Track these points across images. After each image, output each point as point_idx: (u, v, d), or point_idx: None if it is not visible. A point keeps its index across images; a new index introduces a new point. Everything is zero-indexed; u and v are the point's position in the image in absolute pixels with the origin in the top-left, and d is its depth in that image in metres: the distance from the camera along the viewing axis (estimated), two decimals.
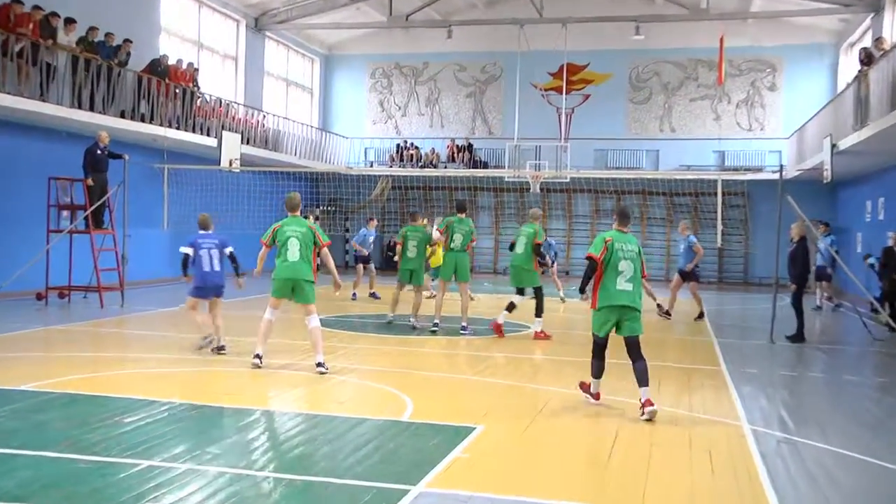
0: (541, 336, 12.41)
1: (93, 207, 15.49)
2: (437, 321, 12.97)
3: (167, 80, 19.43)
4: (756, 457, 6.34)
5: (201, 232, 10.53)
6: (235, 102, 23.81)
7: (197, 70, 21.65)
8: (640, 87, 28.66)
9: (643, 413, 7.40)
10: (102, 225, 16.15)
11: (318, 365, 9.22)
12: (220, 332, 10.23)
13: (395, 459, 5.95)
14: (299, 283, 9.30)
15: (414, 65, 30.53)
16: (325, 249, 9.55)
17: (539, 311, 12.48)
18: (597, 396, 8.14)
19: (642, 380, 7.61)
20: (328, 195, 27.75)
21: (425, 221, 13.79)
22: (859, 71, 16.93)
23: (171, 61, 20.33)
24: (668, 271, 27.98)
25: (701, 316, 15.91)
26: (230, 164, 20.57)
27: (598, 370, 8.05)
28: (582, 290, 8.10)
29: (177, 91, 19.92)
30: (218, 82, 24.44)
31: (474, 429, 6.85)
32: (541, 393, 8.62)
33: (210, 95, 22.03)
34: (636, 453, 6.37)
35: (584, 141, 27.28)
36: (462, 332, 12.65)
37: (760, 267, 26.59)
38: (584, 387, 8.28)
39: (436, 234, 13.28)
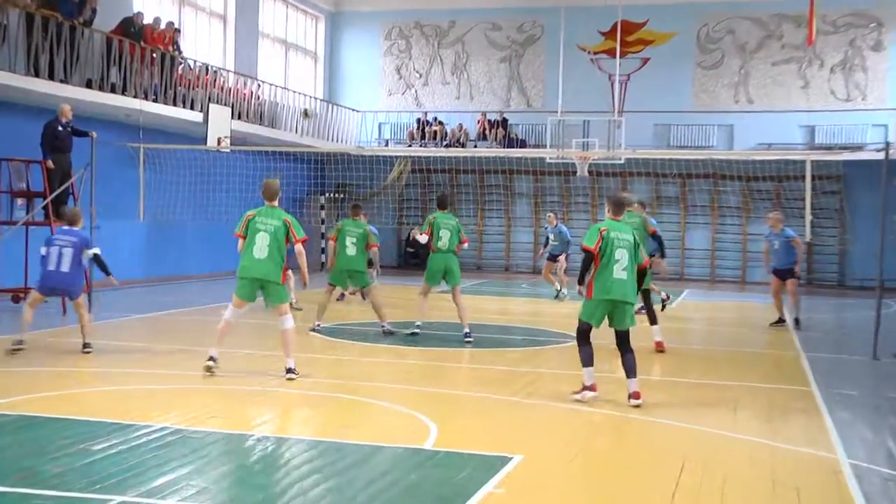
0: (661, 347, 12.48)
1: (53, 195, 15.61)
2: (419, 324, 13.38)
3: (142, 43, 19.57)
4: (858, 498, 6.23)
5: (64, 227, 11.30)
6: (225, 69, 23.95)
7: (178, 31, 21.78)
8: (710, 49, 28.45)
9: (630, 403, 8.69)
10: (63, 216, 16.25)
11: (288, 371, 9.67)
12: (86, 332, 11.09)
13: (416, 495, 5.92)
14: (267, 283, 9.79)
15: (438, 23, 30.53)
16: (300, 246, 9.90)
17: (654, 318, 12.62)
18: (593, 388, 8.90)
19: (631, 371, 8.86)
20: (335, 180, 27.85)
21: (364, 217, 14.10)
22: None
23: (147, 20, 20.47)
24: (746, 271, 27.79)
25: (781, 321, 15.77)
26: (219, 144, 20.69)
27: (588, 357, 8.95)
28: (581, 282, 9.07)
29: (154, 56, 20.05)
30: (204, 45, 24.59)
31: (511, 459, 6.80)
32: (589, 416, 8.56)
33: (194, 61, 22.17)
34: (706, 490, 6.29)
35: (641, 115, 27.09)
36: (466, 340, 12.74)
37: (860, 266, 26.29)
38: (591, 388, 9.00)
39: (421, 238, 13.32)
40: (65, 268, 10.97)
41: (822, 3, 24.23)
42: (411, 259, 29.13)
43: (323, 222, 27.67)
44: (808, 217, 16.60)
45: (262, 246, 9.72)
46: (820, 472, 6.86)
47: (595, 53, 28.06)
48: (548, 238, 20.33)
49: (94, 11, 18.34)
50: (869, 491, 6.41)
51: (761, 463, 7.05)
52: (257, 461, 6.80)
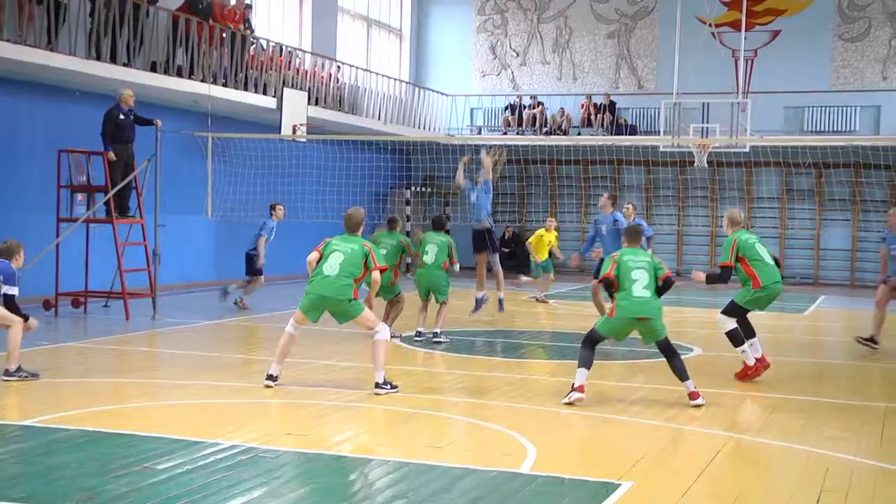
0: (749, 372, 11.43)
1: (115, 189, 15.98)
2: (420, 329, 13.99)
3: (211, 22, 19.96)
4: None
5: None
6: (301, 50, 24.29)
7: (250, 7, 22.15)
8: (854, 18, 27.77)
9: (691, 404, 9.66)
10: (128, 212, 16.66)
11: (378, 385, 9.92)
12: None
13: None
14: (337, 302, 10.05)
15: None
16: (376, 274, 10.17)
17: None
18: (581, 389, 9.73)
19: (682, 374, 9.89)
20: (423, 171, 28.01)
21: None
22: None
23: None
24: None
25: (873, 340, 14.32)
26: (294, 132, 20.96)
27: (587, 360, 9.95)
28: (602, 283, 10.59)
29: (223, 35, 20.44)
30: (278, 23, 24.98)
31: (619, 486, 6.77)
32: (710, 438, 8.45)
33: (267, 41, 22.53)
34: None
35: (770, 96, 26.61)
36: (433, 338, 13.39)
37: None
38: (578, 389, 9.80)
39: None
40: None
41: None
42: (507, 259, 29.06)
43: (409, 219, 27.85)
44: None
45: (333, 264, 9.97)
46: None
47: (717, 26, 27.61)
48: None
49: None
50: None
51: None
52: (335, 484, 6.88)
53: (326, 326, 14.62)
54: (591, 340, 10.11)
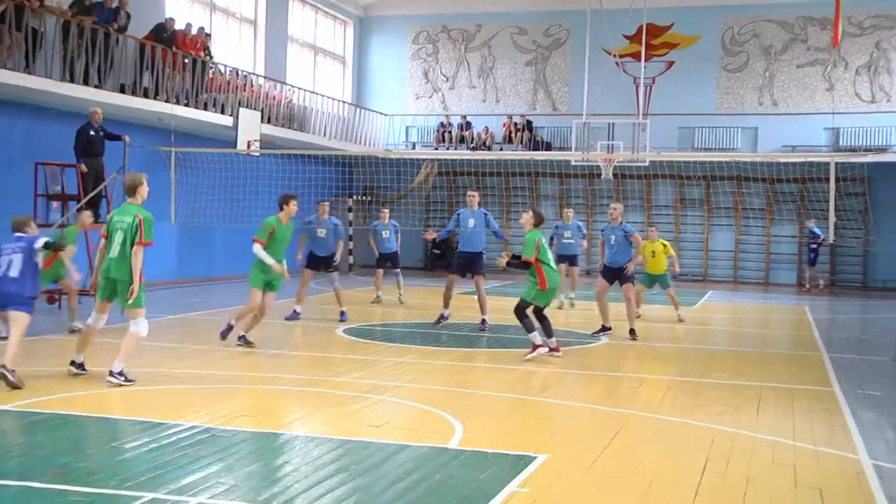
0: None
1: (87, 198, 15.75)
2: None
3: (174, 49, 19.73)
4: (881, 500, 6.18)
5: (15, 235, 9.92)
6: (255, 74, 24.09)
7: (209, 36, 21.93)
8: (735, 52, 28.28)
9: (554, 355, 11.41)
10: (99, 218, 16.40)
11: (111, 374, 9.21)
12: (8, 359, 8.90)
13: (440, 494, 5.94)
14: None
15: (464, 27, 30.56)
16: (137, 247, 9.31)
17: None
18: (543, 346, 11.31)
19: (549, 332, 11.54)
20: (363, 182, 27.94)
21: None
22: None
23: (179, 26, 20.64)
24: (769, 273, 27.61)
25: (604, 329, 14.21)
26: (248, 147, 20.80)
27: (532, 325, 11.34)
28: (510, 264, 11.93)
29: (186, 61, 20.22)
30: (234, 50, 24.75)
31: (535, 458, 6.81)
32: (615, 416, 8.54)
33: (225, 66, 22.31)
34: (729, 491, 6.27)
35: (666, 117, 27.00)
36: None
37: (884, 268, 26.04)
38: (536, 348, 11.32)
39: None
40: (13, 273, 9.45)
41: (848, 5, 24.03)
42: (437, 261, 29.20)
43: (351, 224, 27.75)
44: (832, 219, 16.47)
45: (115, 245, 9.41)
46: (842, 473, 6.81)
47: (620, 57, 27.97)
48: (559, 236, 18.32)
49: (128, 17, 18.52)
50: (891, 492, 6.36)
51: (784, 463, 7.01)
52: (285, 460, 6.85)
53: (276, 320, 14.58)
54: (523, 309, 11.42)
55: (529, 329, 11.57)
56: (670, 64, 28.39)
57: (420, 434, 7.61)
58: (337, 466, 6.56)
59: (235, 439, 7.26)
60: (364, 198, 28.75)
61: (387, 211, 18.74)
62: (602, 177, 24.57)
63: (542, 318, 11.63)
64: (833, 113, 26.47)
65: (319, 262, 15.29)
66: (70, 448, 6.78)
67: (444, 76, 30.86)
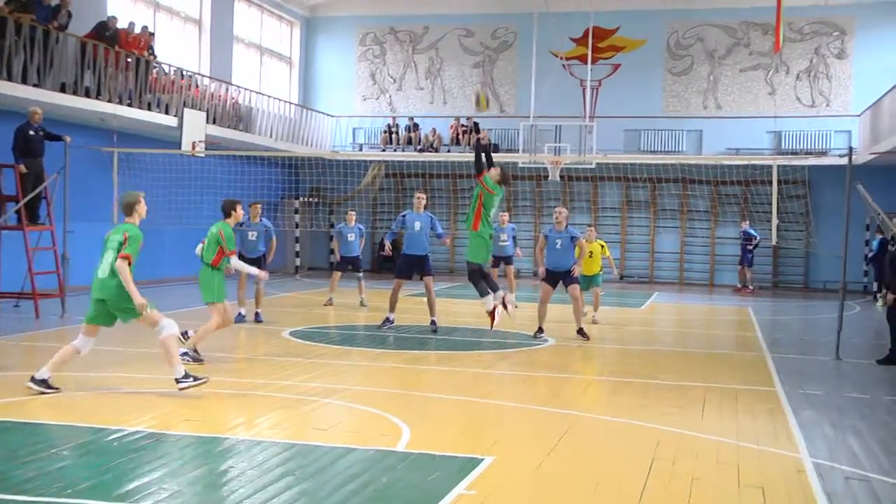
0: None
1: (26, 199, 15.45)
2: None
3: (117, 48, 19.44)
4: (820, 497, 6.30)
5: None
6: (199, 74, 23.83)
7: (153, 35, 21.66)
8: (679, 56, 28.64)
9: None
10: (38, 220, 16.14)
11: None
12: None
13: (387, 497, 5.93)
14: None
15: (412, 29, 30.55)
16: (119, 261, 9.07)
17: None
18: (496, 307, 11.64)
19: (495, 287, 11.91)
20: (310, 184, 27.81)
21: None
22: None
23: (122, 24, 20.35)
24: (714, 274, 27.99)
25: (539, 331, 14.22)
26: (193, 148, 20.60)
27: (485, 289, 11.76)
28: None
29: (129, 60, 19.93)
30: (178, 50, 24.46)
31: (482, 460, 6.82)
32: (561, 417, 8.59)
33: (169, 66, 22.04)
34: (674, 491, 6.33)
35: (612, 120, 27.27)
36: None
37: (824, 269, 26.53)
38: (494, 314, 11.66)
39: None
40: None
41: (789, 11, 24.49)
42: (384, 263, 29.17)
43: (297, 226, 27.60)
44: (775, 221, 16.77)
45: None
46: (784, 471, 6.93)
47: (567, 59, 28.17)
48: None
49: (69, 15, 18.22)
50: (831, 489, 6.49)
51: (728, 462, 7.11)
52: (230, 464, 6.77)
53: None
54: (477, 274, 11.84)
55: (483, 293, 11.89)
56: (616, 67, 28.67)
57: (367, 437, 7.59)
58: (283, 470, 6.51)
59: (179, 444, 7.17)
60: (311, 199, 28.61)
61: (353, 213, 18.62)
62: (549, 179, 24.72)
63: (485, 276, 12.03)
64: (775, 117, 26.95)
65: (251, 265, 15.09)
66: (6, 456, 6.63)
67: (392, 77, 30.82)
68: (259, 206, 15.57)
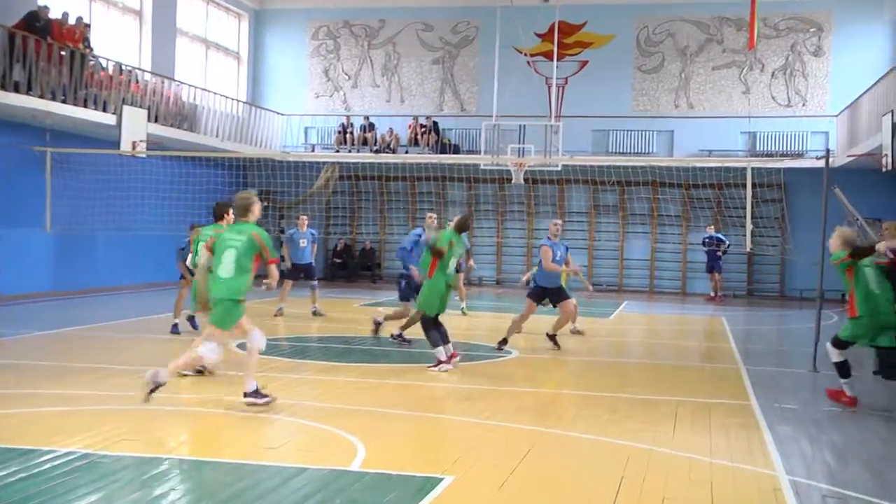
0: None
1: None
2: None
3: (49, 40, 19.21)
4: None
5: None
6: (140, 69, 23.62)
7: (89, 27, 21.44)
8: (650, 53, 28.89)
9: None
10: None
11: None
12: None
13: None
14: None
15: (367, 23, 30.54)
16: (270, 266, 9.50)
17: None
18: (448, 360, 11.86)
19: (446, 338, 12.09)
20: (259, 186, 27.59)
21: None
22: None
23: (55, 15, 20.11)
24: (686, 282, 28.23)
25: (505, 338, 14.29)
26: (133, 148, 20.41)
27: (438, 339, 11.95)
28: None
29: (63, 53, 19.70)
30: (117, 43, 24.22)
31: (441, 480, 6.82)
32: (525, 434, 8.61)
33: (106, 60, 21.82)
34: None
35: (579, 120, 27.42)
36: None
37: (801, 277, 26.84)
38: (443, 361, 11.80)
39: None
40: None
41: (764, 7, 24.77)
42: (338, 270, 29.12)
43: None
44: (749, 226, 16.93)
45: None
46: (759, 489, 6.99)
47: (531, 56, 28.31)
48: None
49: None
50: None
51: (700, 480, 7.16)
52: (172, 487, 6.70)
53: (160, 335, 14.31)
54: (429, 322, 12.02)
55: (435, 343, 11.98)
56: (583, 64, 28.86)
57: (319, 456, 7.55)
58: (230, 493, 6.46)
59: (117, 466, 7.08)
60: (260, 203, 28.41)
61: (305, 217, 18.60)
62: (512, 182, 24.79)
63: (437, 325, 12.18)
64: (749, 117, 27.25)
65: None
66: None
67: (346, 74, 30.77)
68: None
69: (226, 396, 9.84)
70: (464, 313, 18.59)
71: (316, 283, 18.43)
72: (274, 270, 9.37)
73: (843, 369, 10.35)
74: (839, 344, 10.44)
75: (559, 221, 14.67)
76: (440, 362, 11.91)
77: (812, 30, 27.93)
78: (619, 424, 9.07)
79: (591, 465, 7.64)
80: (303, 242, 18.12)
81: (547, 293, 14.16)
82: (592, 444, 8.32)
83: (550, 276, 14.05)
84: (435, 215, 15.51)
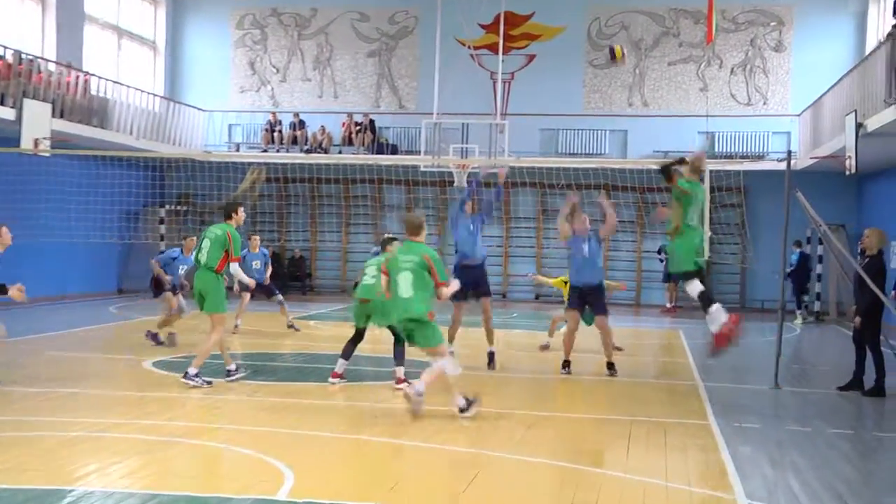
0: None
1: None
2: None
3: None
4: None
5: None
6: (43, 59, 23.28)
7: None
8: (602, 46, 29.11)
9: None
10: None
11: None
12: None
13: None
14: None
15: (298, 11, 30.45)
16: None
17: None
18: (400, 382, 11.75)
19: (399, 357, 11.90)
20: (178, 189, 27.37)
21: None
22: (894, 26, 17.54)
23: None
24: (640, 293, 28.49)
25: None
26: (36, 146, 20.08)
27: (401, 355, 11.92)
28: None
29: None
30: (17, 29, 23.85)
31: None
32: (470, 458, 8.62)
33: (4, 48, 21.47)
34: None
35: (526, 118, 27.57)
36: (186, 380, 11.70)
37: (762, 286, 27.21)
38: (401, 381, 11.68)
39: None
40: None
41: None
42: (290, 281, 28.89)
43: (162, 238, 27.12)
44: (707, 232, 17.12)
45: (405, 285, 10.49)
46: None
47: (475, 48, 28.39)
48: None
49: None
50: None
51: None
52: None
53: (76, 352, 14.10)
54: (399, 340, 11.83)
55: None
56: (531, 58, 29.04)
57: (244, 484, 7.49)
58: None
59: (17, 498, 6.96)
60: (179, 208, 28.17)
61: (257, 238, 18.86)
62: (455, 184, 24.88)
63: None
64: (707, 116, 27.59)
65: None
66: None
67: (274, 67, 30.63)
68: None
69: (139, 420, 9.71)
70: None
71: (280, 297, 18.44)
72: (445, 292, 10.53)
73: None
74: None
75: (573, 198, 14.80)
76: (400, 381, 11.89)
77: (773, 23, 28.41)
78: (570, 446, 9.12)
79: (539, 491, 7.67)
80: (256, 264, 18.29)
81: (586, 296, 13.98)
82: (540, 468, 8.35)
83: (578, 274, 14.00)
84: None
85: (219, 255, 12.06)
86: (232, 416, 10.29)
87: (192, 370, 11.68)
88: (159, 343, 15.19)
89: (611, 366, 13.85)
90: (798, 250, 24.39)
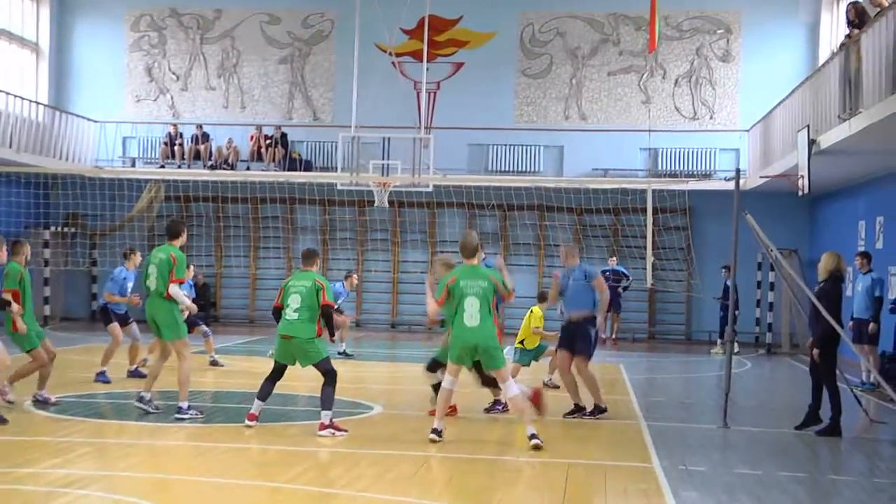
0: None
1: None
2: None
3: None
4: None
5: None
6: None
7: None
8: (536, 54, 29.39)
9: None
10: None
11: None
12: None
13: None
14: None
15: (200, 12, 30.28)
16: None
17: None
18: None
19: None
20: (65, 209, 26.98)
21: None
22: (847, 36, 17.91)
23: None
24: None
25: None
26: None
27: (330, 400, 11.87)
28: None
29: None
30: None
31: None
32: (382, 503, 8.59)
33: None
34: None
35: (453, 132, 27.62)
36: (180, 415, 12.45)
37: (709, 317, 27.47)
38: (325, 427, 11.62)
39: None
40: None
41: (665, 4, 25.58)
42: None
43: (47, 264, 26.69)
44: (650, 258, 17.32)
45: (471, 311, 11.40)
46: None
47: (397, 55, 28.42)
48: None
49: None
50: None
51: None
52: None
53: None
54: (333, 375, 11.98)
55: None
56: (458, 66, 29.14)
57: None
58: None
59: None
60: (66, 230, 27.76)
61: (192, 266, 18.88)
62: (375, 204, 24.88)
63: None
64: (650, 130, 27.86)
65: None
66: None
67: (174, 74, 30.38)
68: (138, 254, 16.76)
69: (18, 468, 9.53)
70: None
71: (206, 329, 18.49)
72: (513, 298, 11.97)
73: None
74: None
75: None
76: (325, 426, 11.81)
77: (720, 31, 28.86)
78: (501, 492, 9.13)
79: None
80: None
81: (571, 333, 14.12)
82: None
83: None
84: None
85: (167, 279, 12.51)
86: (126, 462, 10.14)
87: (182, 404, 12.33)
88: (142, 377, 14.84)
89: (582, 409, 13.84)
90: (728, 279, 24.72)
